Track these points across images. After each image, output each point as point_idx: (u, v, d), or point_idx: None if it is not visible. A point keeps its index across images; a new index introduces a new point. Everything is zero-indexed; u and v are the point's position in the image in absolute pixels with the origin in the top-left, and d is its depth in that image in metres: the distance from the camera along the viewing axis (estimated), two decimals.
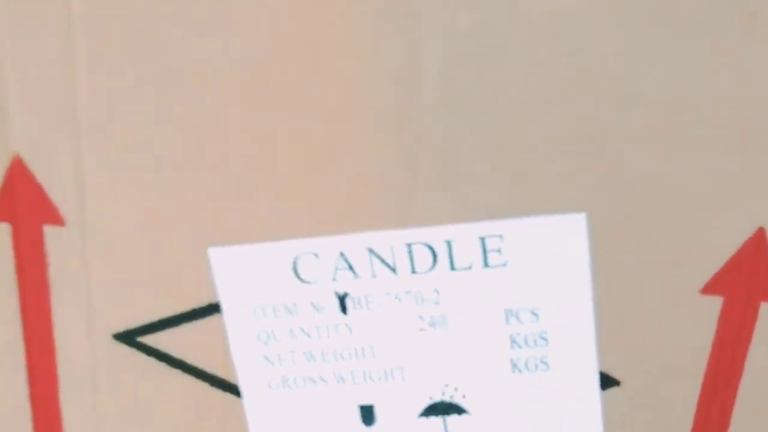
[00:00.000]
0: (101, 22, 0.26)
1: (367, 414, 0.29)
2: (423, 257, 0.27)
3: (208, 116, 0.26)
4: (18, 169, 0.27)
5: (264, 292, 0.28)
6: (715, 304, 0.26)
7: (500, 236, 0.26)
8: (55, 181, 0.27)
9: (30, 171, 0.27)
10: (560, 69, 0.25)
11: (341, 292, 0.28)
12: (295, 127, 0.26)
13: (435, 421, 0.29)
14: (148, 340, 0.29)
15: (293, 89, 0.26)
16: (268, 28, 0.25)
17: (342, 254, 0.27)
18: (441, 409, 0.29)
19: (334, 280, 0.28)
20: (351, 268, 0.27)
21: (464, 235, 0.27)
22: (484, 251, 0.27)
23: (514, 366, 0.28)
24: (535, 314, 0.27)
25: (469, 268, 0.27)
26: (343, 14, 0.25)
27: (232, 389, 0.29)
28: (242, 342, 0.29)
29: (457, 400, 0.29)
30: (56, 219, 0.28)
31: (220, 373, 0.29)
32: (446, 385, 0.29)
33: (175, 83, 0.26)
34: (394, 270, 0.27)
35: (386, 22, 0.25)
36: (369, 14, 0.25)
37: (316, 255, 0.27)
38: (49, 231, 0.28)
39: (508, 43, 0.25)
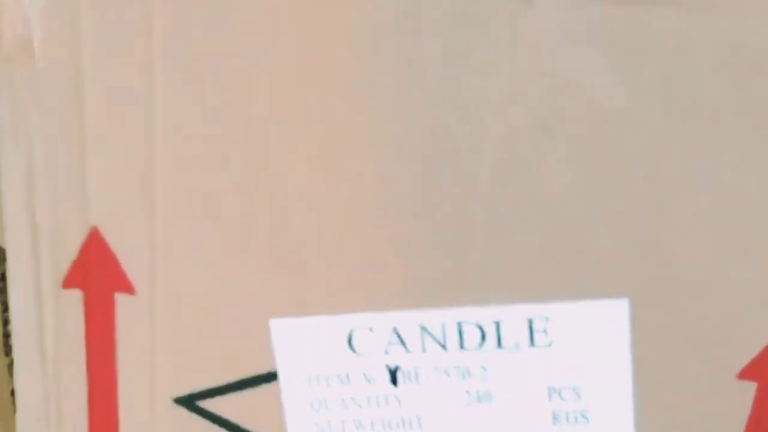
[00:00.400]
0: (181, 97, 0.28)
1: None
2: (472, 335, 0.29)
3: (277, 197, 0.28)
4: (94, 239, 0.29)
5: (319, 363, 0.30)
6: (750, 389, 0.28)
7: (547, 318, 0.28)
8: (128, 252, 0.29)
9: (105, 242, 0.29)
10: (608, 161, 0.26)
11: (392, 365, 0.29)
12: (358, 215, 0.28)
13: None
14: (206, 404, 0.30)
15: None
16: None
17: (395, 329, 0.29)
18: None
19: (386, 353, 0.29)
20: (403, 343, 0.29)
21: (513, 316, 0.28)
22: (531, 332, 0.28)
23: None
24: (577, 393, 0.29)
25: (516, 347, 0.28)
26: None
27: None
28: (296, 409, 0.30)
29: None
30: (127, 287, 0.30)
31: None
32: None
33: (246, 160, 0.28)
34: (444, 346, 0.29)
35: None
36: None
37: (371, 329, 0.29)
38: (119, 298, 0.30)
39: (559, 138, 0.26)
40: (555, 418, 0.29)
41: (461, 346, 0.29)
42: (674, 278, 0.27)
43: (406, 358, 0.29)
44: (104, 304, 0.30)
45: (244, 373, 0.30)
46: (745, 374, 0.28)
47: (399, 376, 0.29)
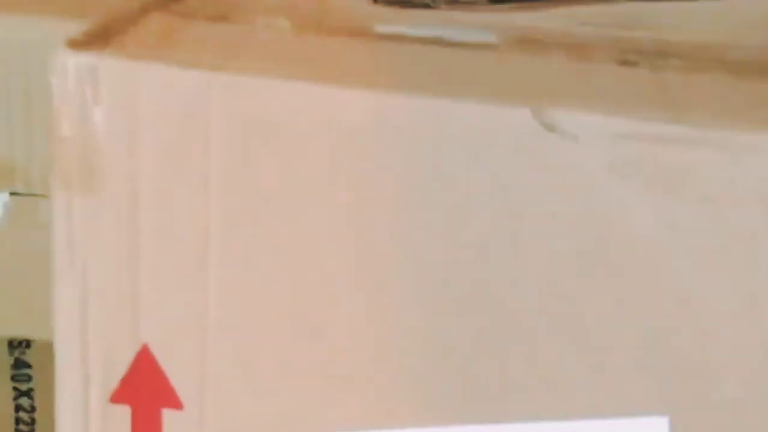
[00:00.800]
0: (237, 224, 0.29)
1: None
2: None
3: (326, 319, 0.29)
4: (144, 356, 0.30)
5: None
6: None
7: None
8: (177, 368, 0.30)
9: (155, 358, 0.30)
10: (647, 287, 0.27)
11: None
12: (404, 339, 0.29)
13: None
14: None
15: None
16: None
17: None
18: None
19: None
20: None
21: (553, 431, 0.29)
22: None
23: None
24: None
25: None
26: None
27: None
28: None
29: None
30: (175, 403, 0.30)
31: None
32: None
33: (300, 288, 0.29)
34: None
35: None
36: None
37: None
38: (167, 414, 0.31)
39: (599, 265, 0.27)
40: None
41: None
42: (712, 398, 0.28)
43: None
44: (152, 420, 0.31)
45: None
46: None
47: None
